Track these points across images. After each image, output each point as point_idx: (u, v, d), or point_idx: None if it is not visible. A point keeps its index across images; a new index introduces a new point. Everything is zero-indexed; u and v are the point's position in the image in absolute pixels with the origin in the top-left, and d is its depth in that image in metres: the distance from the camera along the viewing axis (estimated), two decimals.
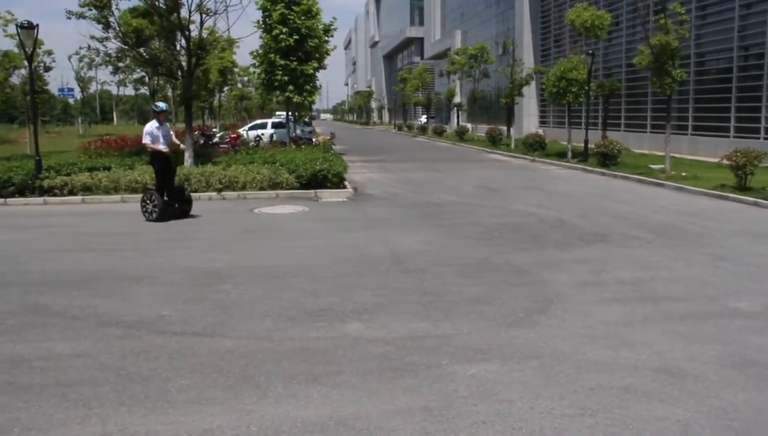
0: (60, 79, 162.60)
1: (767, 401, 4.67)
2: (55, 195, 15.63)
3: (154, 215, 12.61)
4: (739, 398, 4.73)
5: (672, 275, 8.29)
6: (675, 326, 6.30)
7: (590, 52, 25.66)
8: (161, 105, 13.50)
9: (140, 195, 15.42)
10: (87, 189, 15.76)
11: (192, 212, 13.30)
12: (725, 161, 16.24)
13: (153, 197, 12.75)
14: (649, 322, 6.43)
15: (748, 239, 10.56)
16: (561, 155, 26.72)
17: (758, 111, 24.10)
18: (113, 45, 25.32)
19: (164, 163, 12.95)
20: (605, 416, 4.45)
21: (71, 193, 15.68)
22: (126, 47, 21.44)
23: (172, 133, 13.30)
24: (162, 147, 12.78)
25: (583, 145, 25.54)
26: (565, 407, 4.59)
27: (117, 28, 19.43)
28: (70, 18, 19.13)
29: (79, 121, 67.75)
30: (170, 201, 12.94)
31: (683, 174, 19.12)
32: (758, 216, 12.90)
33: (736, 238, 10.66)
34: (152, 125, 12.84)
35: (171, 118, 43.71)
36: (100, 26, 19.35)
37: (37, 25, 16.20)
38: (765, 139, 23.01)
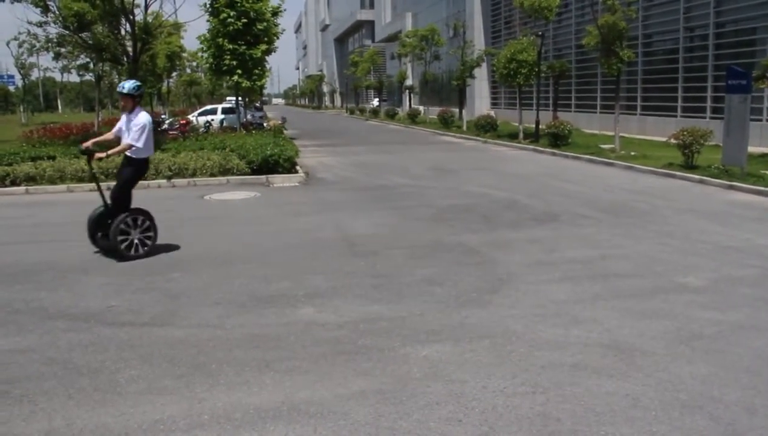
0: None
1: (712, 373, 4.78)
2: None
3: (146, 248, 8.68)
4: (686, 370, 4.83)
5: (621, 252, 8.42)
6: (624, 302, 6.40)
7: (540, 33, 25.83)
8: (126, 85, 8.49)
9: (88, 184, 15.05)
10: (31, 179, 15.30)
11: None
12: (672, 140, 16.57)
13: (144, 221, 8.70)
14: (599, 299, 6.52)
15: (694, 216, 10.79)
16: (512, 136, 26.92)
17: (704, 91, 24.60)
18: (53, 30, 24.59)
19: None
20: (556, 393, 4.50)
21: (14, 183, 15.20)
22: (67, 32, 20.83)
23: (133, 127, 8.44)
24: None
25: (534, 126, 25.76)
26: (517, 385, 4.63)
27: (57, 12, 18.84)
28: (3, 1, 18.46)
29: (21, 110, 65.79)
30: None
31: (632, 153, 19.43)
32: (704, 193, 13.20)
33: (682, 215, 10.89)
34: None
35: (117, 104, 42.70)
36: (38, 10, 18.73)
37: None
38: (711, 118, 23.50)
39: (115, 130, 8.78)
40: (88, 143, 8.60)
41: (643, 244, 8.85)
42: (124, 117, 8.65)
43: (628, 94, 28.74)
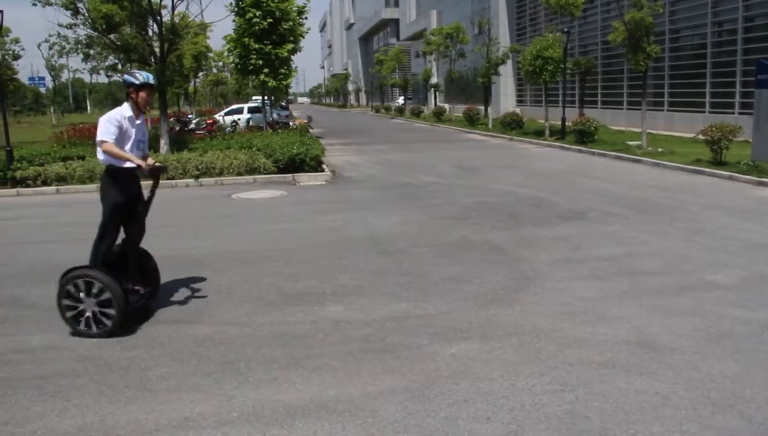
0: (30, 68, 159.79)
1: (743, 372, 4.72)
2: (28, 186, 15.41)
3: (105, 327, 5.71)
4: (716, 369, 4.78)
5: (649, 249, 8.34)
6: (652, 300, 6.35)
7: (565, 30, 25.66)
8: (141, 76, 6.11)
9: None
10: (61, 179, 15.55)
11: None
12: (701, 136, 16.35)
13: (94, 282, 5.82)
14: (627, 297, 6.47)
15: (723, 213, 10.65)
16: (538, 134, 26.77)
17: (732, 86, 24.25)
18: (83, 32, 24.95)
19: (132, 193, 6.24)
20: (585, 391, 4.47)
21: (45, 183, 15.46)
22: (96, 34, 21.10)
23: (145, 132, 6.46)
24: (136, 160, 5.93)
25: (560, 123, 25.60)
26: (545, 383, 4.61)
27: (86, 14, 19.10)
28: (35, 5, 18.78)
29: (52, 111, 66.77)
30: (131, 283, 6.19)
31: (660, 150, 19.22)
32: (733, 190, 13.02)
33: (711, 212, 10.75)
34: (120, 114, 6.00)
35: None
36: (68, 12, 19.01)
37: (1, 12, 15.85)
38: (740, 114, 23.17)
39: (136, 138, 6.16)
40: (151, 162, 6.15)
41: (671, 241, 8.76)
42: (124, 120, 6.01)
43: (655, 90, 28.42)
